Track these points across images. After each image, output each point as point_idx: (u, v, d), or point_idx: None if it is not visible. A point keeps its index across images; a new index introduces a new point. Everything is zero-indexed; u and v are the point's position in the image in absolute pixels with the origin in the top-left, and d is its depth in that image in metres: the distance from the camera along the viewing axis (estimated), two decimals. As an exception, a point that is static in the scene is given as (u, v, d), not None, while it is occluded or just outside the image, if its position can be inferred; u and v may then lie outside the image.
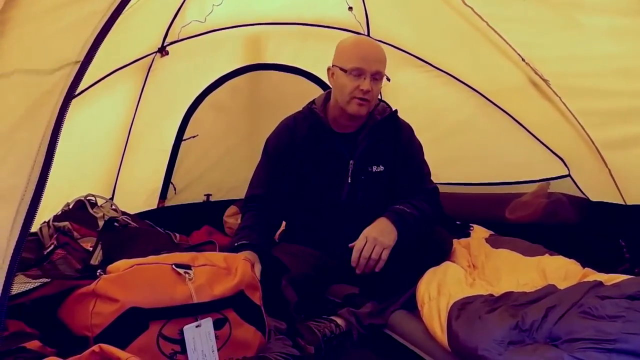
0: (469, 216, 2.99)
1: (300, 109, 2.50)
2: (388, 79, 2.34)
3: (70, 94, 1.32)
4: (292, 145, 2.40)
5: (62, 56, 1.36)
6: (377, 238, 2.15)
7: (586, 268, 2.04)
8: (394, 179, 2.44)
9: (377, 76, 2.28)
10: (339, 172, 2.39)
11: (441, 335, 1.83)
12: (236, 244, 2.24)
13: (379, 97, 2.51)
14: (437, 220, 2.41)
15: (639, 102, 2.52)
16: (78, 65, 1.32)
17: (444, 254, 2.31)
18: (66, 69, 1.33)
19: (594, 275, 1.86)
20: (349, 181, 2.38)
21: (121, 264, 1.72)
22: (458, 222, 2.92)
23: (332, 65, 2.34)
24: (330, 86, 2.41)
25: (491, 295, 1.94)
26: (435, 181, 3.51)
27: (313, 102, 2.46)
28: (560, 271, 2.04)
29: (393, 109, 2.46)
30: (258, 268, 2.17)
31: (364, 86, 2.25)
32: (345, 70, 2.26)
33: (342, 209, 2.40)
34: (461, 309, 1.85)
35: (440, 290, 2.01)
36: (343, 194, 2.38)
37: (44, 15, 1.43)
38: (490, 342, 1.64)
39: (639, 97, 2.50)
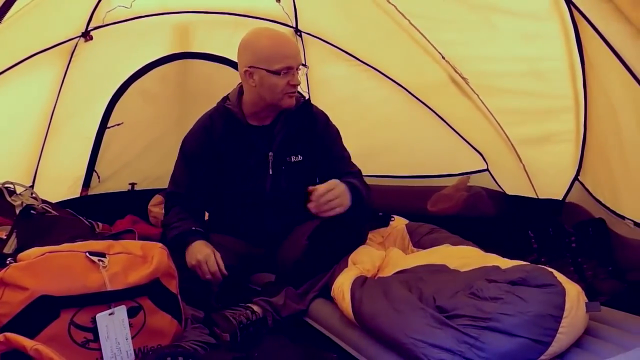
0: (392, 208, 3.07)
1: (215, 105, 2.50)
2: (306, 66, 2.38)
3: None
4: (210, 144, 2.42)
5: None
6: (344, 193, 2.17)
7: (491, 254, 2.14)
8: (315, 167, 2.49)
9: (300, 67, 2.33)
10: (259, 165, 2.42)
11: (347, 307, 1.92)
12: (181, 231, 2.29)
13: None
14: (369, 200, 2.43)
15: (549, 102, 2.68)
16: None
17: (359, 241, 2.37)
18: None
19: (495, 261, 1.97)
20: (271, 173, 2.42)
21: (33, 252, 1.69)
22: (380, 213, 2.99)
23: (252, 67, 2.29)
24: (249, 85, 2.34)
25: (399, 272, 2.06)
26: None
27: (227, 97, 2.46)
28: (465, 257, 2.14)
29: (305, 98, 2.52)
30: (219, 256, 2.23)
31: (295, 81, 2.29)
32: (273, 72, 2.26)
33: (267, 200, 2.44)
34: (364, 282, 1.98)
35: (350, 265, 2.14)
36: (267, 185, 2.42)
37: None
38: (391, 310, 1.77)
39: (548, 98, 2.66)
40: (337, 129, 2.53)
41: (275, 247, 2.44)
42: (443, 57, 2.83)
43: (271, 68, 2.27)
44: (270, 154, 2.41)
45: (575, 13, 2.12)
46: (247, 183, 2.42)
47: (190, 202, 2.44)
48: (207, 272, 2.21)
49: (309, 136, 2.44)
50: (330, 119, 2.53)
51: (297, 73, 2.31)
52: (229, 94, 2.47)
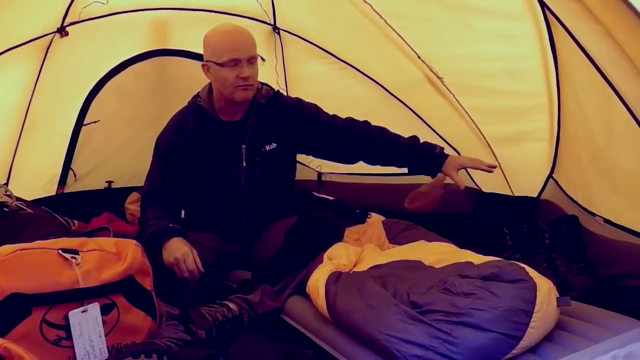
0: (369, 205, 3.09)
1: (186, 103, 2.52)
2: (263, 59, 2.39)
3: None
4: (184, 142, 2.44)
5: None
6: None
7: (465, 250, 2.17)
8: (290, 153, 2.55)
9: (252, 60, 2.33)
10: (233, 158, 2.43)
11: (322, 304, 1.94)
12: (158, 228, 2.30)
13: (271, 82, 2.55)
14: None
15: (524, 102, 2.71)
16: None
17: (335, 239, 2.38)
18: None
19: (469, 257, 1.99)
20: (244, 165, 2.43)
21: (4, 249, 1.67)
22: (357, 210, 3.00)
23: (207, 61, 2.35)
24: (209, 80, 2.42)
25: (374, 267, 2.07)
26: (336, 171, 3.62)
27: (198, 95, 2.48)
28: (440, 253, 2.17)
29: (275, 90, 2.52)
30: (196, 253, 2.24)
31: (243, 74, 2.30)
32: (221, 64, 2.30)
33: (242, 193, 2.46)
34: (338, 278, 1.99)
35: (326, 261, 2.14)
36: (241, 178, 2.43)
37: None
38: (364, 307, 1.78)
39: (523, 98, 2.69)
40: (315, 104, 2.57)
41: (252, 243, 2.44)
42: (419, 57, 2.84)
43: (218, 60, 2.31)
44: (243, 146, 2.43)
45: (548, 13, 2.14)
46: (222, 177, 2.44)
47: (165, 200, 2.44)
48: (184, 270, 2.21)
49: (284, 123, 2.46)
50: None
51: (246, 65, 2.30)
52: (199, 91, 2.49)
